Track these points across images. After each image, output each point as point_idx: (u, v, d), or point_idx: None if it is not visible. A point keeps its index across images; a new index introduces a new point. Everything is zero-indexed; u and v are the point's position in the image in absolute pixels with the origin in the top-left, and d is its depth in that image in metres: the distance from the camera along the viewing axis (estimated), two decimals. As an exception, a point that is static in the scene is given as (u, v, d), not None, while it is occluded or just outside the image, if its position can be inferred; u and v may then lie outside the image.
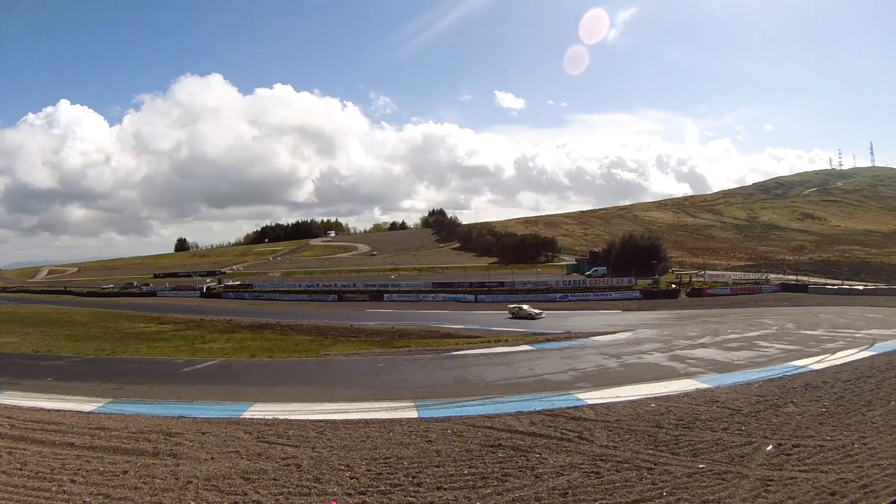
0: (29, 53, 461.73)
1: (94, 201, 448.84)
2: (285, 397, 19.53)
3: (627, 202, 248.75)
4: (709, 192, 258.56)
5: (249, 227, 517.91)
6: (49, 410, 17.10)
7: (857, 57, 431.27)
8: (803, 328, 36.04)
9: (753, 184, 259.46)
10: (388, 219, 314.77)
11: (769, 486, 9.82)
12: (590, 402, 17.11)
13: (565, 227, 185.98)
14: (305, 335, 44.36)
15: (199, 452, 12.23)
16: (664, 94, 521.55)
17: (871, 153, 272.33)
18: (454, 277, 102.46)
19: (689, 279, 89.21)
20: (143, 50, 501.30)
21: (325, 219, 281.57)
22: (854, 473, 10.18)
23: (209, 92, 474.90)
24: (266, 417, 15.83)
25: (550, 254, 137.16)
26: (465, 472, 10.85)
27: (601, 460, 11.37)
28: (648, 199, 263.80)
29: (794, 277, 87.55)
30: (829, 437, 12.34)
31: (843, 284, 78.11)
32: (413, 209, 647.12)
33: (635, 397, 17.46)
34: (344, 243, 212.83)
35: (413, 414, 16.32)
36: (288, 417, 15.80)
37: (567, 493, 9.71)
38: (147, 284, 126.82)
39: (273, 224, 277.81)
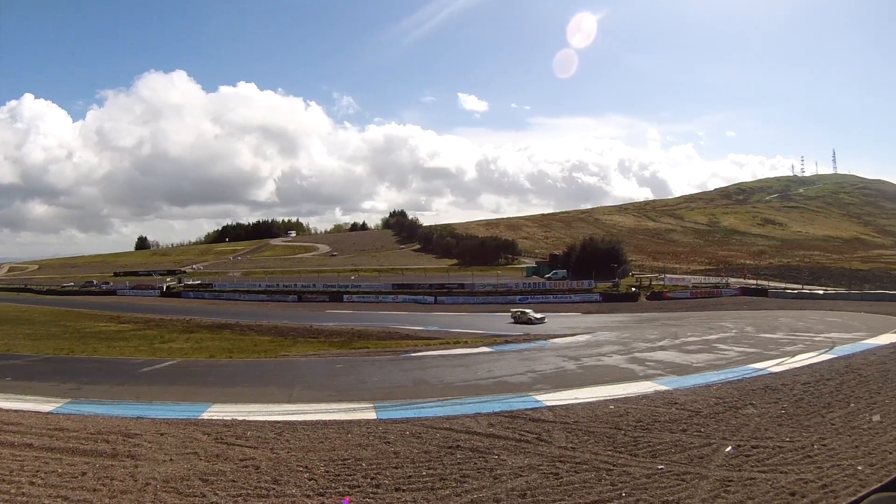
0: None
1: (56, 198, 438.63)
2: (244, 398, 19.35)
3: (589, 206, 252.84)
4: (670, 197, 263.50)
5: (210, 225, 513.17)
6: (7, 411, 16.65)
7: (822, 66, 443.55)
8: (763, 331, 36.71)
9: (715, 189, 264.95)
10: (349, 219, 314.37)
11: (728, 486, 9.91)
12: (548, 403, 17.19)
13: (526, 229, 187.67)
14: (265, 335, 44.41)
15: (158, 454, 12.06)
16: (628, 99, 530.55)
17: (834, 161, 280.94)
18: (414, 279, 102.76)
19: (649, 283, 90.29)
20: (109, 44, 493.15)
21: (286, 219, 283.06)
22: (814, 474, 10.33)
23: (173, 89, 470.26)
24: (225, 418, 15.69)
25: (511, 256, 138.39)
26: (424, 473, 10.82)
27: (560, 461, 11.39)
28: (610, 202, 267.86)
29: (754, 282, 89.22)
30: (788, 439, 12.52)
31: (803, 289, 79.74)
32: (374, 210, 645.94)
33: (594, 399, 17.56)
34: (304, 243, 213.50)
35: (371, 415, 16.28)
36: (246, 418, 15.69)
37: (526, 494, 9.71)
38: (107, 283, 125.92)
39: (234, 223, 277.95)
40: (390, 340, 39.97)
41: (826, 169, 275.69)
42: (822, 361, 23.34)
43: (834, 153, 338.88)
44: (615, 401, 17.16)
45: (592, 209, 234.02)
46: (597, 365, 25.95)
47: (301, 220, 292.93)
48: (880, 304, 56.38)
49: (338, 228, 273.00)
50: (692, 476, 10.45)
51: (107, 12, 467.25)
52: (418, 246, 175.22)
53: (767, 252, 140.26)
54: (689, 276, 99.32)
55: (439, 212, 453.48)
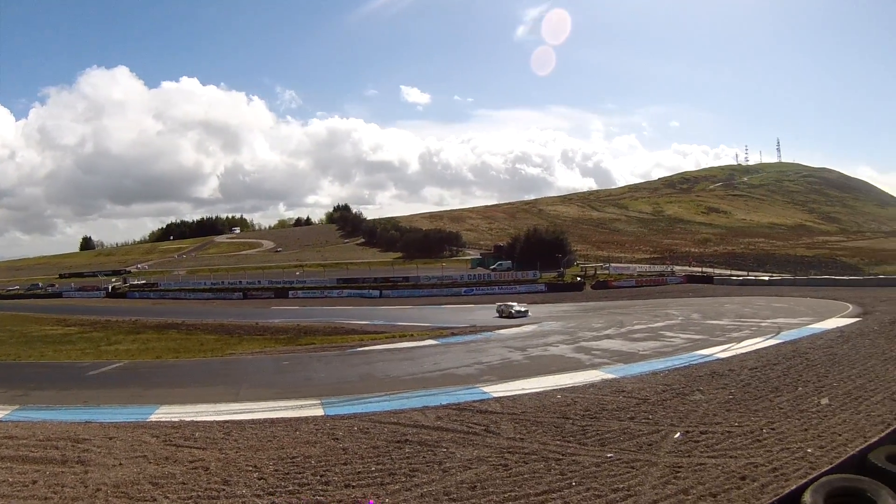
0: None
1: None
2: (191, 398, 19.22)
3: (532, 197, 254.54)
4: (614, 187, 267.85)
5: (154, 224, 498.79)
6: (-45, 422, 16.13)
7: (764, 58, 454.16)
8: (709, 318, 37.50)
9: (659, 179, 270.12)
10: (292, 214, 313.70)
11: (678, 472, 9.95)
12: (495, 395, 17.24)
13: (470, 221, 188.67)
14: (211, 334, 45.06)
15: (107, 458, 11.79)
16: (571, 91, 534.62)
17: (778, 150, 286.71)
18: (359, 273, 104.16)
19: (594, 272, 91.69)
20: (51, 40, 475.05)
21: (230, 215, 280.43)
22: (763, 458, 10.43)
23: (115, 85, 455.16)
24: (172, 420, 15.55)
25: (455, 248, 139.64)
26: (373, 468, 10.75)
27: (509, 453, 11.35)
28: (554, 193, 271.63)
29: (699, 269, 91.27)
30: (736, 424, 12.66)
31: (748, 276, 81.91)
32: (318, 205, 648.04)
33: (541, 389, 17.61)
34: (249, 240, 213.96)
35: (319, 412, 16.28)
36: (194, 419, 15.57)
37: (476, 486, 9.67)
38: (53, 285, 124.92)
39: (178, 221, 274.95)
40: (336, 336, 40.52)
41: (770, 158, 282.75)
42: (769, 346, 23.75)
43: (778, 142, 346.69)
44: (562, 390, 17.22)
45: (536, 200, 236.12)
46: (543, 355, 26.22)
47: (245, 216, 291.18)
48: (826, 289, 58.15)
49: (282, 224, 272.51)
50: (642, 463, 10.48)
51: (49, 7, 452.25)
52: (363, 240, 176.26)
53: (712, 240, 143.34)
54: (635, 265, 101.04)
55: (383, 205, 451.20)
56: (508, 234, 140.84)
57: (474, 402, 16.24)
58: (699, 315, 39.97)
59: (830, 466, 8.55)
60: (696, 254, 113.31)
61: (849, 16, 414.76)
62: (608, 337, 31.05)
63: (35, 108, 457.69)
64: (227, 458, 11.75)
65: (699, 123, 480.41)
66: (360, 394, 18.74)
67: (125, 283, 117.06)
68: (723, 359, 21.53)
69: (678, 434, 12.11)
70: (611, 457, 10.87)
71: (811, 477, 8.05)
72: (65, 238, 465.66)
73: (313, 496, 9.56)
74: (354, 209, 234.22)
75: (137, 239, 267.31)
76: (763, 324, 32.41)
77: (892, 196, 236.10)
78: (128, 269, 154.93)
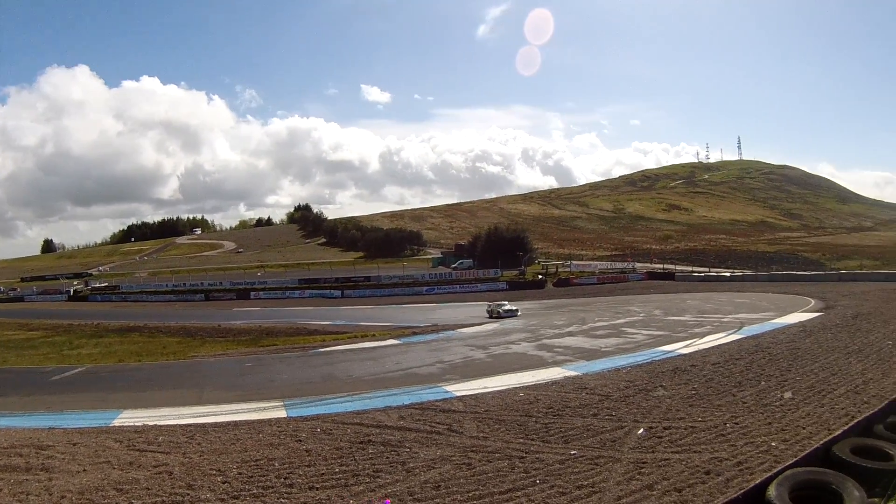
0: None
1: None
2: (154, 402, 18.99)
3: (493, 195, 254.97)
4: (575, 185, 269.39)
5: (115, 225, 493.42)
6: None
7: (724, 56, 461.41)
8: (671, 314, 37.92)
9: (620, 176, 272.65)
10: (253, 215, 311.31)
11: (643, 468, 10.03)
12: (458, 393, 17.30)
13: (431, 220, 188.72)
14: (173, 337, 44.16)
15: (71, 465, 11.65)
16: (531, 89, 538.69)
17: (739, 147, 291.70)
18: (320, 273, 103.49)
19: (555, 269, 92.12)
20: (10, 39, 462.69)
21: (190, 216, 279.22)
22: (727, 452, 10.56)
23: (75, 84, 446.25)
24: (136, 424, 15.47)
25: (416, 247, 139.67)
26: (337, 470, 10.76)
27: (472, 451, 11.38)
28: (514, 192, 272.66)
29: (660, 266, 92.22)
30: (700, 419, 12.80)
31: (710, 272, 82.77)
32: (278, 205, 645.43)
33: (504, 387, 17.69)
34: (210, 241, 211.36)
35: (282, 413, 16.25)
36: (157, 423, 15.45)
37: (440, 485, 9.69)
38: (14, 289, 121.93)
39: (139, 222, 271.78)
40: (298, 336, 40.16)
41: (731, 156, 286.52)
42: (732, 342, 24.15)
43: (739, 140, 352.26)
44: (525, 388, 17.32)
45: (497, 198, 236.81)
46: (505, 353, 26.28)
47: (206, 216, 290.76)
48: (788, 284, 59.29)
49: (243, 224, 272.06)
50: (606, 460, 10.54)
51: (7, 5, 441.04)
52: (324, 240, 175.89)
53: (674, 237, 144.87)
54: (596, 262, 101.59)
55: (343, 205, 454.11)
56: (469, 232, 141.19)
57: (437, 401, 16.29)
58: (661, 311, 40.39)
59: (795, 459, 8.68)
60: (658, 251, 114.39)
61: (808, 15, 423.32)
62: (570, 334, 31.23)
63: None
64: (190, 462, 11.68)
65: (660, 122, 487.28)
66: (323, 395, 18.72)
67: (87, 285, 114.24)
68: (685, 355, 21.78)
69: (642, 430, 12.20)
70: (574, 454, 10.91)
71: (776, 470, 8.16)
72: (26, 240, 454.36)
73: (278, 499, 9.56)
74: (315, 209, 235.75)
75: (99, 241, 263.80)
76: (725, 319, 32.84)
77: (852, 192, 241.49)
78: (90, 271, 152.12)
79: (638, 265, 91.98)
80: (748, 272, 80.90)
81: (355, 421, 14.35)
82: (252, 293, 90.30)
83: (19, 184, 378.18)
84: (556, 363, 22.34)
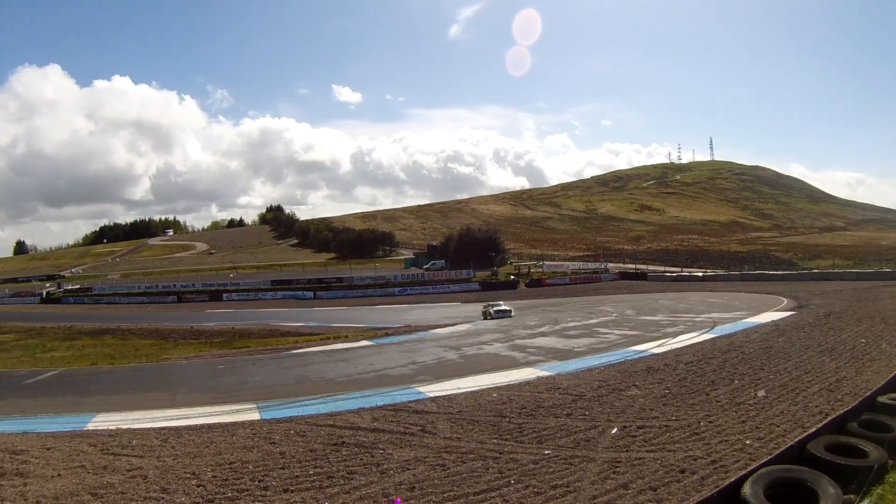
0: None
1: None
2: (128, 405, 18.82)
3: (465, 196, 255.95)
4: (547, 186, 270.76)
5: (87, 227, 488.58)
6: None
7: (695, 57, 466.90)
8: (643, 314, 38.24)
9: (592, 177, 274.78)
10: (225, 216, 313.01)
11: (617, 467, 10.03)
12: (431, 394, 17.31)
13: (403, 221, 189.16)
14: (146, 339, 44.18)
15: (46, 469, 11.48)
16: (503, 90, 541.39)
17: (711, 148, 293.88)
18: (293, 274, 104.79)
19: (528, 270, 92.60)
20: None
21: (162, 217, 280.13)
22: (702, 450, 10.60)
23: (47, 84, 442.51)
24: (109, 428, 15.31)
25: (388, 248, 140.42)
26: (311, 472, 10.71)
27: (446, 452, 11.35)
28: (486, 192, 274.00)
29: (633, 266, 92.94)
30: (674, 418, 12.85)
31: (682, 272, 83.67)
32: (250, 206, 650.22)
33: (477, 388, 17.70)
34: (182, 242, 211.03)
35: (255, 416, 16.18)
36: (131, 427, 15.30)
37: (414, 487, 9.66)
38: None
39: (111, 224, 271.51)
40: (271, 338, 40.47)
41: (703, 156, 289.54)
42: (705, 341, 24.36)
43: (711, 141, 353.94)
44: (498, 389, 17.34)
45: (469, 199, 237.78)
46: (478, 354, 26.37)
47: (178, 217, 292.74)
48: (760, 283, 60.23)
49: (215, 225, 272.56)
50: (580, 459, 10.54)
51: None
52: (296, 241, 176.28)
53: (646, 237, 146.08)
54: (568, 263, 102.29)
55: (315, 206, 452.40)
56: (441, 233, 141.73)
57: (410, 402, 16.29)
58: (633, 311, 40.71)
59: (770, 457, 8.70)
60: (630, 251, 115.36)
61: (781, 16, 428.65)
62: (543, 335, 31.38)
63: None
64: (164, 465, 11.60)
65: (631, 122, 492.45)
66: (296, 397, 18.66)
67: (59, 288, 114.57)
68: (658, 354, 21.92)
69: (615, 429, 12.22)
70: (549, 454, 10.91)
71: (751, 468, 8.18)
72: None
73: (252, 501, 9.52)
74: (287, 210, 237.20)
75: (71, 242, 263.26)
76: (698, 319, 33.17)
77: (824, 192, 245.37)
78: (62, 273, 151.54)
79: (610, 265, 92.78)
80: (720, 272, 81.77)
81: (329, 423, 14.32)
82: (224, 295, 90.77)
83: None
84: (528, 363, 22.38)
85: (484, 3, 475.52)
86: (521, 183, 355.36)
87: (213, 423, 15.19)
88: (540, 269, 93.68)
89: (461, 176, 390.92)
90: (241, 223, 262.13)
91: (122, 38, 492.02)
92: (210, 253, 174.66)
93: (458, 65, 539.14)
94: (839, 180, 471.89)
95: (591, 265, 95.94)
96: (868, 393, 11.66)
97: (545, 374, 19.69)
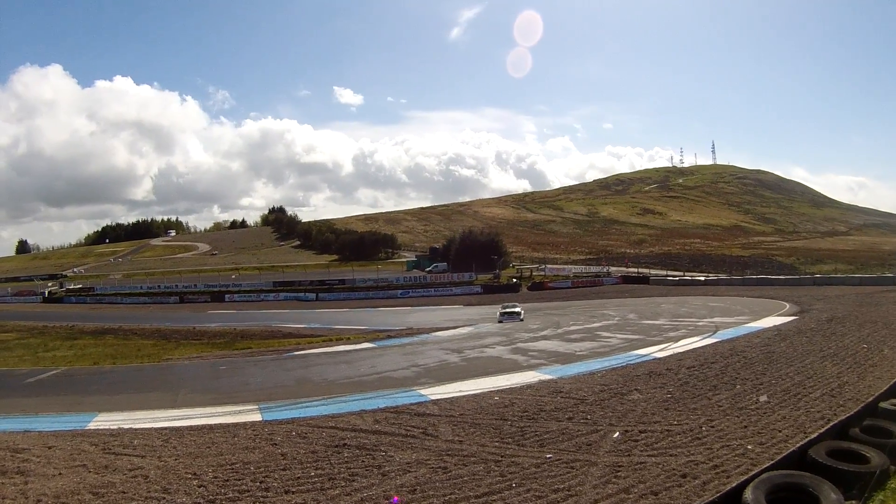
0: None
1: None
2: (129, 405, 18.79)
3: (466, 199, 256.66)
4: (549, 189, 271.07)
5: (89, 227, 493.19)
6: None
7: (698, 61, 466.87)
8: (645, 318, 38.19)
9: (594, 180, 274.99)
10: (227, 217, 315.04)
11: (619, 471, 10.02)
12: (433, 397, 17.22)
13: (405, 223, 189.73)
14: (148, 339, 44.47)
15: (47, 468, 11.47)
16: (504, 92, 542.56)
17: (713, 152, 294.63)
18: (295, 276, 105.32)
19: (530, 273, 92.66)
20: None
21: (164, 217, 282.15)
22: (704, 455, 10.59)
23: (48, 84, 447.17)
24: (111, 427, 15.25)
25: (391, 250, 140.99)
26: (312, 473, 10.67)
27: (448, 455, 11.34)
28: (488, 195, 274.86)
29: (635, 270, 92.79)
30: (676, 422, 12.84)
31: (684, 276, 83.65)
32: (252, 207, 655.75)
33: (478, 391, 17.65)
34: (184, 243, 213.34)
35: (257, 417, 16.13)
36: (133, 426, 15.25)
37: (416, 489, 9.65)
38: None
39: (113, 224, 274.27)
40: (273, 339, 40.64)
41: (705, 160, 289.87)
42: (707, 345, 24.25)
43: (713, 145, 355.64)
44: (500, 392, 17.27)
45: (471, 202, 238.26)
46: (480, 356, 26.29)
47: (180, 218, 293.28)
48: (762, 288, 60.00)
49: (217, 227, 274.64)
50: (581, 463, 10.54)
51: None
52: (298, 242, 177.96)
53: (648, 241, 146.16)
54: (570, 266, 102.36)
55: (317, 207, 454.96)
56: (444, 235, 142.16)
57: (412, 404, 16.24)
58: (635, 315, 40.66)
59: (771, 462, 8.71)
60: (632, 254, 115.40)
61: (783, 20, 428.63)
62: (545, 338, 31.28)
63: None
64: (166, 465, 11.57)
65: (633, 125, 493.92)
66: (298, 398, 18.60)
67: (61, 287, 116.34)
68: (660, 358, 21.86)
69: (617, 434, 12.21)
70: (550, 457, 10.90)
71: (752, 473, 8.19)
72: (0, 242, 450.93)
73: (253, 502, 9.50)
74: (289, 211, 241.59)
75: (73, 242, 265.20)
76: (700, 323, 33.10)
77: (826, 197, 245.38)
78: (64, 273, 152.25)
79: (612, 269, 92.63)
80: (722, 276, 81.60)
81: (330, 424, 14.27)
82: (226, 296, 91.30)
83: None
84: (530, 367, 22.33)
85: (485, 5, 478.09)
86: (522, 186, 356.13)
87: (215, 424, 15.16)
88: (542, 273, 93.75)
89: (463, 178, 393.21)
90: (243, 224, 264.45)
91: (123, 39, 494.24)
92: (212, 254, 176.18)
93: (459, 67, 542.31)
94: (840, 184, 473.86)
95: (593, 269, 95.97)
96: (870, 398, 11.66)
97: (547, 377, 19.60)
